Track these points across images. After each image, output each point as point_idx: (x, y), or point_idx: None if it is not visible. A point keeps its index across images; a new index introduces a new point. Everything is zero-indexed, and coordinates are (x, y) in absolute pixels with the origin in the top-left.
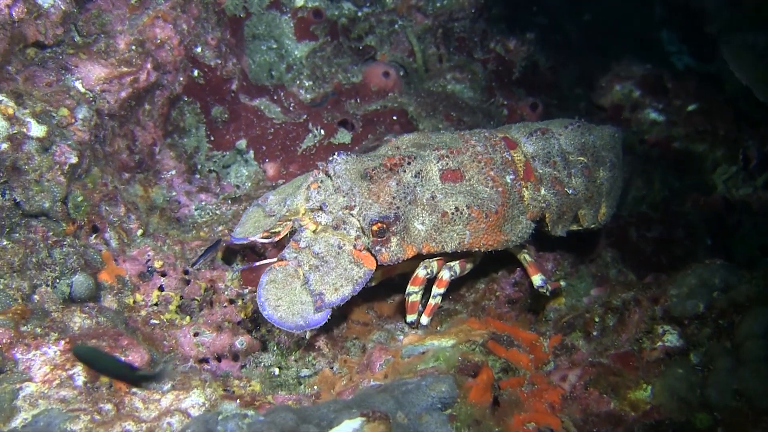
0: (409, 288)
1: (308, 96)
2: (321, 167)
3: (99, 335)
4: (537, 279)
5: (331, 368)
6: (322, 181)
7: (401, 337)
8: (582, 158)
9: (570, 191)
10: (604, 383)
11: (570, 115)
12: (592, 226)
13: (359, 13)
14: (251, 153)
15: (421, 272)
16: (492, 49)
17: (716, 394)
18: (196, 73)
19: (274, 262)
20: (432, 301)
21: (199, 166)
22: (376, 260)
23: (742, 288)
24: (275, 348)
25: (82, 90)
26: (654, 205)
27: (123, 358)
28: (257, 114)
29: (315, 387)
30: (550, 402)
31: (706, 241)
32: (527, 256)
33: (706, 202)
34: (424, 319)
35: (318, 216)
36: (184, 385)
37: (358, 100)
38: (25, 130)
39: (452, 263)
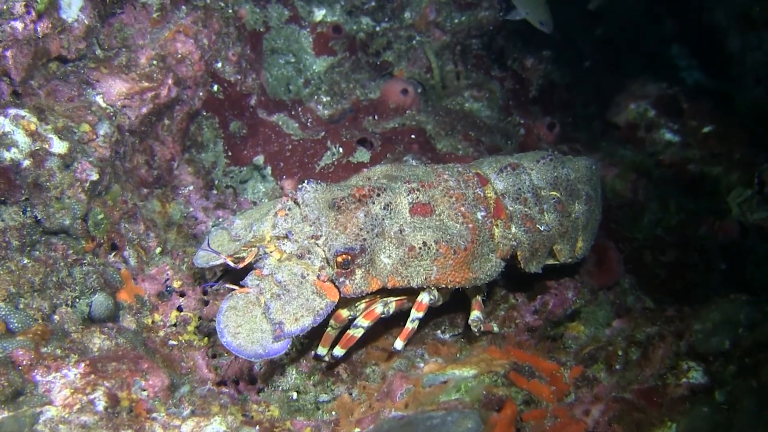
0: (358, 321)
1: (326, 112)
2: (290, 195)
3: (119, 358)
4: (475, 314)
5: (350, 394)
6: (289, 209)
7: (421, 364)
8: (555, 193)
9: (542, 228)
10: (628, 420)
11: (584, 134)
12: (569, 260)
13: (377, 28)
14: (269, 169)
15: (378, 308)
16: (509, 66)
17: None
18: (215, 88)
19: (236, 289)
20: (409, 325)
21: (216, 182)
22: (340, 292)
23: (767, 326)
24: (293, 372)
25: (104, 105)
26: (669, 229)
27: (143, 383)
28: (275, 130)
29: (333, 413)
30: None
31: (720, 266)
32: (478, 297)
33: (720, 226)
34: (399, 344)
35: (283, 244)
36: (204, 411)
37: (376, 117)
38: (47, 146)
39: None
